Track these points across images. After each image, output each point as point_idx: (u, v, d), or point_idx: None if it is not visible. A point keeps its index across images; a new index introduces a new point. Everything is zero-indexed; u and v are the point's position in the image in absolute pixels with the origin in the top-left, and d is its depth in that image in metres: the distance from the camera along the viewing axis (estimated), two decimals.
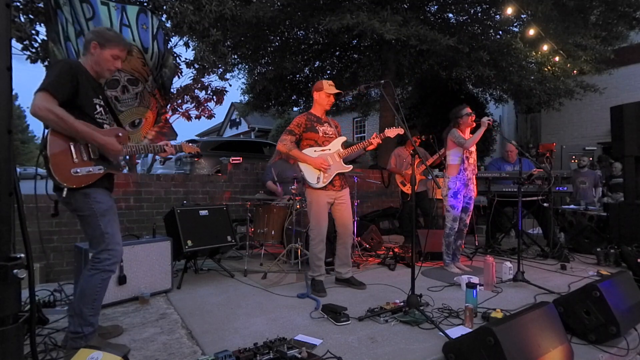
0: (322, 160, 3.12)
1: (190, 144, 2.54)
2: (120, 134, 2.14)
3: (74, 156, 1.92)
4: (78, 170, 1.92)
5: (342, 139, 3.31)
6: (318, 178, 3.13)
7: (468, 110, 3.78)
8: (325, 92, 3.22)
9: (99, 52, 2.06)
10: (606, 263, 4.21)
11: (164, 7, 4.96)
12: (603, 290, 2.27)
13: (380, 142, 3.25)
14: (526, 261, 4.27)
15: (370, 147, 3.24)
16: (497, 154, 11.12)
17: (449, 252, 3.86)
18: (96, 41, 2.05)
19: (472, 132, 3.83)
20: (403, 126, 2.75)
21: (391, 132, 3.21)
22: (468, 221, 3.90)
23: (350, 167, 3.26)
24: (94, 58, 2.07)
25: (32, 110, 1.81)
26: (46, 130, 1.90)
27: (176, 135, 4.37)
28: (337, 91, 3.23)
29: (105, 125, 2.10)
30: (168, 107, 4.99)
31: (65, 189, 1.89)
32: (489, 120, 3.69)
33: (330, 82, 3.26)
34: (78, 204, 1.98)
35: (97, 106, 2.07)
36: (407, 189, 5.06)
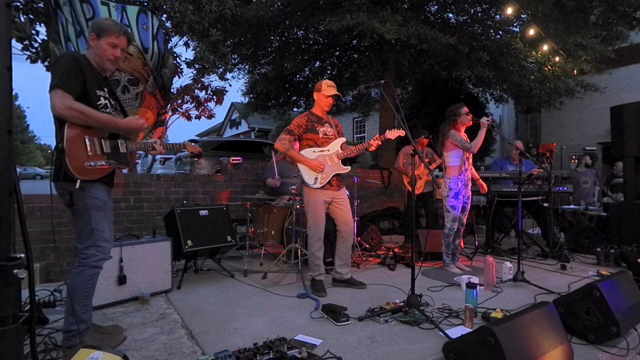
0: (318, 162, 3.12)
1: (193, 144, 2.56)
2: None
3: (89, 149, 1.96)
4: (92, 164, 1.95)
5: (342, 140, 3.31)
6: (315, 178, 3.14)
7: (466, 109, 3.79)
8: (323, 94, 3.21)
9: (96, 43, 2.08)
10: (606, 263, 4.21)
11: (164, 7, 4.96)
12: (603, 290, 2.27)
13: (380, 143, 3.25)
14: (526, 261, 4.27)
15: (371, 149, 3.25)
16: (497, 154, 11.12)
17: (448, 252, 3.87)
18: (93, 33, 2.08)
19: (467, 131, 3.86)
20: (403, 126, 2.75)
21: (392, 134, 3.21)
22: (465, 220, 3.93)
23: (349, 168, 3.27)
24: (94, 50, 2.09)
25: (53, 111, 1.85)
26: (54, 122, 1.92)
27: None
28: (335, 93, 3.21)
29: None
30: (168, 107, 5.00)
31: (79, 181, 1.91)
32: (488, 120, 3.70)
33: (331, 82, 3.24)
34: (73, 196, 1.98)
35: (102, 98, 2.08)
36: (417, 189, 5.05)
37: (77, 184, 1.91)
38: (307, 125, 3.19)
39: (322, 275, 3.20)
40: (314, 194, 3.16)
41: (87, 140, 1.95)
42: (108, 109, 2.11)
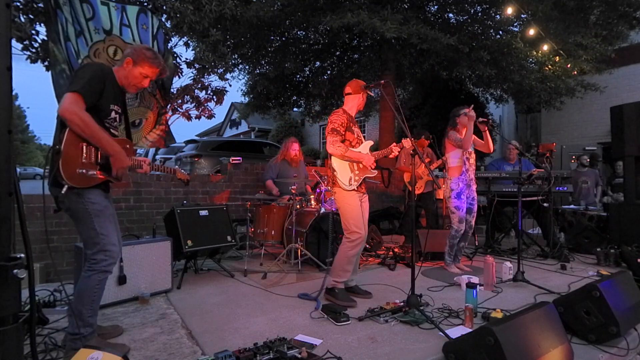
0: (369, 157, 2.95)
1: (183, 172, 2.65)
2: (127, 146, 2.19)
3: (84, 156, 1.96)
4: (83, 171, 1.95)
5: (370, 142, 3.13)
6: (350, 179, 2.98)
7: (466, 110, 3.75)
8: (364, 94, 3.06)
9: (130, 68, 2.14)
10: (606, 263, 4.21)
11: (164, 7, 4.96)
12: (603, 290, 2.27)
13: (400, 149, 3.05)
14: (526, 261, 4.27)
15: (392, 155, 3.08)
16: (497, 154, 11.12)
17: (451, 253, 3.85)
18: (130, 57, 2.13)
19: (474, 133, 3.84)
20: (404, 126, 2.73)
21: (408, 143, 2.94)
22: (473, 222, 3.87)
23: (376, 172, 3.10)
24: (124, 72, 2.14)
25: (60, 111, 1.86)
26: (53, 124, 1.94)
27: (174, 140, 4.44)
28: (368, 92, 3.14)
29: (111, 131, 2.13)
30: (168, 107, 5.00)
31: (66, 186, 1.91)
32: (484, 119, 3.70)
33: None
34: (71, 203, 1.98)
35: (113, 112, 2.12)
36: (417, 189, 5.04)
37: (64, 190, 1.91)
38: (348, 125, 2.98)
39: (343, 283, 3.02)
40: (350, 196, 2.99)
41: (84, 147, 1.96)
42: (115, 123, 2.15)
